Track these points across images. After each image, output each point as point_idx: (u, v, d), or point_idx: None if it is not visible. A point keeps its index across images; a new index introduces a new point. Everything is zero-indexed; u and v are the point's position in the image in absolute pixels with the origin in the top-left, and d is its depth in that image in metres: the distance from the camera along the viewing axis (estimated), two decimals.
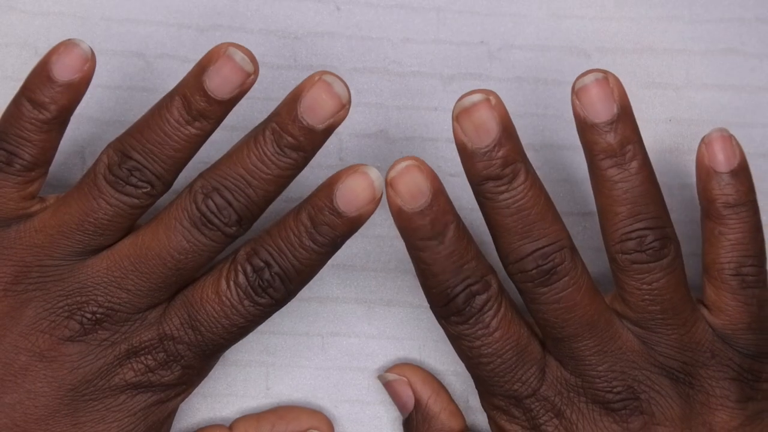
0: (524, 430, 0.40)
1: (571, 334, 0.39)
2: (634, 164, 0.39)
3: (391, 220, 0.45)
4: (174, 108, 0.38)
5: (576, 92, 0.39)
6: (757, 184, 0.45)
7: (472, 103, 0.38)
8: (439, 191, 0.38)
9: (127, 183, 0.38)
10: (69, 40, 0.39)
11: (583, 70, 0.39)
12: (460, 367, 0.45)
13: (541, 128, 0.45)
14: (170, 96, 0.38)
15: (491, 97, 0.38)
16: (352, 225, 0.38)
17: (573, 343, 0.39)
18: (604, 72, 0.38)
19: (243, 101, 0.45)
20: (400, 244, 0.45)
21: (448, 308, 0.39)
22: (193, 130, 0.38)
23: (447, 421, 0.43)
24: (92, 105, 0.45)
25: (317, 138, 0.38)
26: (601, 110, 0.38)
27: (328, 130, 0.38)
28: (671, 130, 0.46)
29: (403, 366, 0.44)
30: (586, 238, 0.45)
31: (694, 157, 0.42)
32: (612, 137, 0.38)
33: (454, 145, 0.40)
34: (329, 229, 0.38)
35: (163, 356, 0.39)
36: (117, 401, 0.39)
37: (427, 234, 0.38)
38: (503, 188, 0.38)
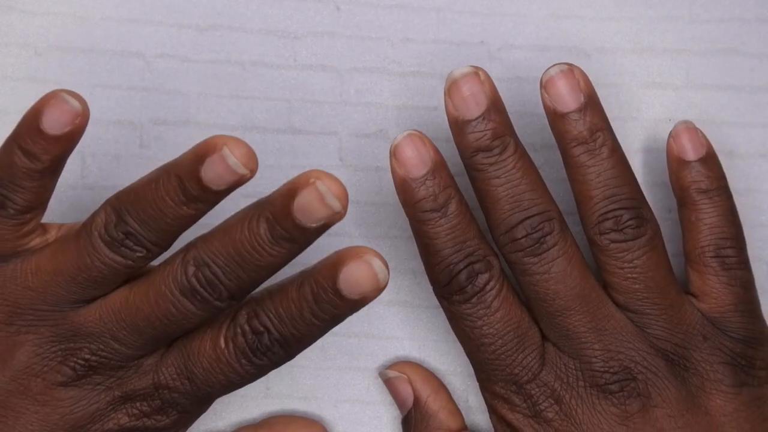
0: (525, 418, 0.40)
1: (563, 307, 0.39)
2: (605, 149, 0.40)
3: (390, 220, 0.45)
4: (170, 187, 0.36)
5: (543, 86, 0.40)
6: (758, 184, 0.45)
7: (462, 74, 0.39)
8: (441, 163, 0.39)
9: (122, 245, 0.37)
10: (58, 93, 0.37)
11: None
12: (460, 366, 0.45)
13: (540, 128, 0.45)
14: (167, 173, 0.37)
15: (480, 72, 0.39)
16: (354, 306, 0.37)
17: (566, 318, 0.39)
18: (569, 64, 0.40)
19: (243, 102, 0.45)
20: (400, 244, 0.45)
21: (451, 286, 0.39)
22: (188, 210, 0.37)
23: (445, 420, 0.43)
24: (92, 105, 0.45)
25: (311, 234, 0.36)
26: (568, 100, 0.40)
27: (323, 228, 0.36)
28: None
29: (403, 364, 0.44)
30: None
31: None
32: (581, 125, 0.40)
33: (454, 145, 0.40)
34: (331, 308, 0.37)
35: (159, 403, 0.38)
36: None
37: (430, 206, 0.39)
38: (493, 159, 0.39)
